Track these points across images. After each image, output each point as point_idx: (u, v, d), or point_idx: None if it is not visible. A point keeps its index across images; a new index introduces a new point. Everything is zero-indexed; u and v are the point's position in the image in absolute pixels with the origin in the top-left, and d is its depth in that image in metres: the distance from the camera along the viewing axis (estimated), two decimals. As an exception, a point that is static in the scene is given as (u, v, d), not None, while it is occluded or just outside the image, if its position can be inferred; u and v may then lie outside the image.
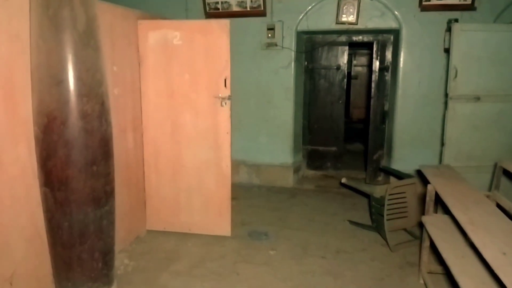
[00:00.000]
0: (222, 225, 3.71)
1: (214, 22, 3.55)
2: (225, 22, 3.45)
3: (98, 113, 2.35)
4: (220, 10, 4.96)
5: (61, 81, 2.19)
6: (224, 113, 3.56)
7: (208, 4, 4.96)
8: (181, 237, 3.69)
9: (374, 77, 5.07)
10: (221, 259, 3.33)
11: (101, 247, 2.46)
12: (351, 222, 4.09)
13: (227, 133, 3.58)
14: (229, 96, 3.53)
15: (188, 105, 3.59)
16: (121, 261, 3.20)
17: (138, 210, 3.66)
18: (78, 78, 2.23)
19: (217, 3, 4.94)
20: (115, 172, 2.58)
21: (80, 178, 2.30)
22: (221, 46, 3.48)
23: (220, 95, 3.53)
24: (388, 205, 3.52)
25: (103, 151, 2.41)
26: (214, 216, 3.71)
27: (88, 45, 2.28)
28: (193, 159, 3.66)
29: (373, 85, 5.09)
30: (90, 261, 2.42)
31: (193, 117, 3.61)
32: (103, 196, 2.43)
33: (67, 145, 2.25)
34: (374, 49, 5.06)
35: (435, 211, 3.36)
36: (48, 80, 2.20)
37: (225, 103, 3.53)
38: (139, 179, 3.63)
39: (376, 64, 5.03)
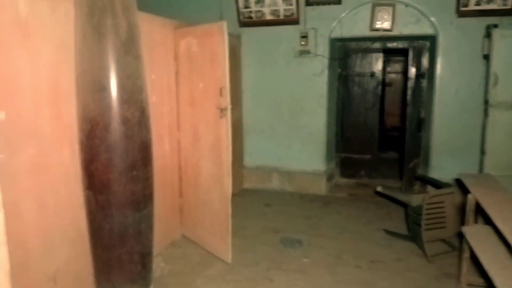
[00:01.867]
0: (223, 249, 3.37)
1: (214, 24, 3.21)
2: (222, 23, 3.09)
3: (138, 119, 2.42)
4: (254, 19, 5.02)
5: (103, 88, 2.28)
6: (223, 126, 3.18)
7: (242, 13, 5.04)
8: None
9: (410, 84, 4.98)
10: (254, 265, 3.34)
11: (140, 249, 2.52)
12: (387, 231, 4.01)
13: (226, 147, 3.17)
14: (226, 107, 3.12)
15: (202, 115, 3.44)
16: (157, 264, 3.26)
17: (174, 214, 3.73)
18: (120, 85, 2.31)
19: (251, 12, 5.01)
20: (154, 177, 2.66)
21: (120, 182, 2.38)
22: (218, 50, 3.15)
23: (220, 105, 3.18)
24: (426, 214, 3.43)
25: (142, 156, 2.48)
26: (218, 237, 3.42)
27: (130, 52, 2.37)
28: (206, 172, 3.49)
29: (409, 92, 5.00)
30: (129, 263, 2.49)
31: (205, 128, 3.43)
32: (142, 200, 2.50)
33: (109, 150, 2.34)
34: (410, 55, 4.98)
35: (475, 222, 3.25)
36: (91, 87, 2.30)
37: (224, 115, 3.15)
38: (174, 184, 3.71)
39: (412, 71, 4.94)
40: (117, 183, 2.38)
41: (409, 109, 5.02)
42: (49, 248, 2.38)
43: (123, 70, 2.34)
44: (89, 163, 2.37)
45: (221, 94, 3.15)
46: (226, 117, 3.15)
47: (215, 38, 3.19)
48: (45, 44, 2.31)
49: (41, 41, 2.28)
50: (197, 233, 3.71)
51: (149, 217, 2.57)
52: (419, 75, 5.02)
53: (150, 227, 2.58)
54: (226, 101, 3.13)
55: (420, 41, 4.97)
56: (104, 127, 2.32)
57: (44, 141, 2.34)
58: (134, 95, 2.41)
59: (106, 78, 2.30)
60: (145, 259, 2.56)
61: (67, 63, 2.40)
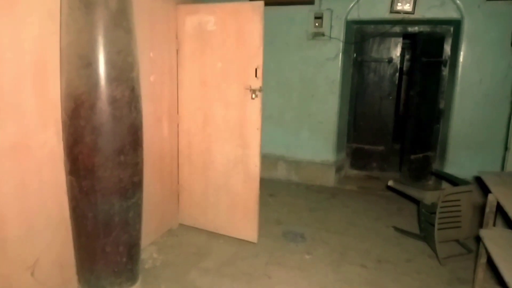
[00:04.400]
0: (247, 230, 3.39)
1: (247, 4, 3.14)
2: (259, 3, 3.03)
3: (128, 99, 2.21)
4: (266, -2, 4.73)
5: (90, 63, 2.08)
6: (255, 107, 3.19)
7: (254, -9, 4.75)
8: (213, 233, 3.54)
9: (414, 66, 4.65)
10: (252, 258, 3.15)
11: (126, 240, 2.34)
12: (396, 229, 3.77)
13: (257, 129, 3.21)
14: (260, 87, 3.14)
15: (219, 96, 3.33)
16: (150, 254, 3.10)
17: (171, 202, 3.55)
18: (108, 61, 2.10)
19: (263, -10, 4.72)
20: (148, 162, 2.47)
21: (106, 167, 2.19)
22: (253, 30, 3.08)
23: (250, 86, 3.16)
24: (440, 213, 3.18)
25: (132, 139, 2.27)
26: (240, 219, 3.41)
27: (120, 26, 2.14)
28: (222, 155, 3.40)
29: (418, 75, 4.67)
30: (114, 255, 2.31)
31: (223, 109, 3.33)
32: (130, 187, 2.30)
33: (94, 132, 2.14)
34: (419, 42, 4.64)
35: (494, 224, 2.99)
36: (77, 62, 2.09)
37: (256, 95, 3.16)
38: (173, 170, 3.52)
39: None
40: (103, 168, 2.18)
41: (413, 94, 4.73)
42: (30, 234, 2.22)
43: (112, 45, 2.12)
44: (72, 145, 2.18)
45: (256, 75, 3.12)
46: (258, 98, 3.15)
47: (248, 18, 3.09)
48: (30, 13, 2.10)
49: (25, 10, 2.07)
50: (206, 219, 3.56)
51: (138, 206, 2.38)
52: (439, 63, 4.69)
53: (138, 216, 2.39)
54: (260, 81, 3.12)
55: (444, 26, 4.64)
56: (89, 106, 2.12)
57: (26, 119, 2.15)
58: (124, 72, 2.19)
59: (93, 53, 2.09)
60: (131, 250, 2.38)
61: (55, 36, 2.19)
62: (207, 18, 3.26)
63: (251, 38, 3.11)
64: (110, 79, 2.12)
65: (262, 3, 3.02)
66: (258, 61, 3.11)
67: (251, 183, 3.32)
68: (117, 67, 2.15)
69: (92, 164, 2.16)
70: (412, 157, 4.89)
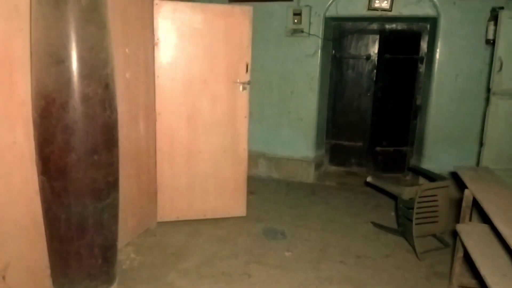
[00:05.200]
0: (237, 207, 3.82)
1: (237, 8, 3.55)
2: (248, 8, 3.50)
3: (101, 97, 2.14)
4: (245, -6, 4.69)
5: (61, 60, 2.00)
6: (243, 98, 3.63)
7: (232, -13, 4.70)
8: (192, 232, 3.50)
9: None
10: (232, 258, 3.11)
11: (102, 242, 2.28)
12: (375, 224, 3.80)
13: (245, 117, 3.68)
14: (249, 81, 3.60)
15: (206, 90, 3.54)
16: (127, 255, 3.03)
17: (149, 201, 3.48)
18: (80, 58, 2.03)
19: (242, -14, 4.67)
20: (124, 162, 2.40)
21: (79, 167, 2.12)
22: (243, 31, 3.51)
23: (239, 80, 3.57)
24: (417, 208, 3.21)
25: (106, 138, 2.21)
26: (229, 198, 3.79)
27: (92, 21, 2.07)
28: (210, 145, 3.64)
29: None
30: (89, 257, 2.24)
31: (211, 102, 3.57)
32: (105, 187, 2.24)
33: (66, 131, 2.06)
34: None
35: (470, 219, 3.04)
36: (47, 59, 2.01)
37: (245, 88, 3.60)
38: (150, 169, 3.45)
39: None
40: (76, 168, 2.11)
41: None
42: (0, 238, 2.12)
43: (83, 41, 2.05)
44: (44, 145, 2.10)
45: (246, 71, 3.57)
46: (246, 90, 3.62)
47: (237, 20, 3.49)
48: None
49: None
50: (192, 208, 3.70)
51: (113, 207, 2.31)
52: (416, 59, 4.76)
53: (113, 217, 2.33)
54: (249, 76, 3.61)
55: (420, 23, 4.69)
56: (61, 105, 2.04)
57: (-9, 119, 2.05)
58: (96, 69, 2.12)
59: (64, 50, 2.01)
60: (107, 252, 2.32)
61: (22, 32, 2.10)
62: (193, 17, 3.38)
63: (240, 38, 3.52)
64: (82, 76, 2.05)
65: (251, 8, 3.51)
66: (247, 58, 3.57)
67: (240, 166, 3.77)
68: (89, 64, 2.08)
69: (65, 164, 2.09)
70: (378, 149, 5.02)
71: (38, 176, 2.17)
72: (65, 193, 2.12)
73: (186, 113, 3.52)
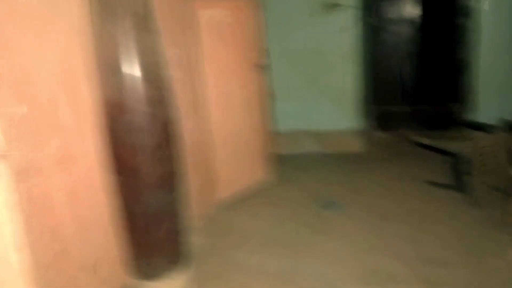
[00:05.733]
0: (263, 170, 4.28)
1: (246, 1, 3.86)
2: (258, 1, 3.94)
3: (162, 98, 2.31)
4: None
5: (123, 69, 2.16)
6: (262, 79, 4.10)
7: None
8: (252, 213, 3.65)
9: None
10: (294, 232, 3.24)
11: (176, 229, 2.47)
12: (431, 182, 3.78)
13: (261, 95, 4.13)
14: (266, 64, 4.13)
15: (236, 76, 3.85)
16: (195, 240, 3.23)
17: (208, 188, 3.67)
18: (140, 64, 2.18)
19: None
20: (183, 155, 2.56)
21: (148, 164, 2.29)
22: (252, 21, 3.90)
23: (257, 63, 3.99)
24: (475, 161, 3.18)
25: (168, 135, 2.38)
26: (257, 162, 4.21)
27: (147, 29, 2.22)
28: (243, 124, 3.98)
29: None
30: (168, 245, 2.44)
31: (241, 87, 3.91)
32: (173, 179, 2.41)
33: (135, 132, 2.24)
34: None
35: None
36: (110, 68, 2.17)
37: (261, 71, 4.04)
38: (206, 159, 3.62)
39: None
40: (145, 165, 2.29)
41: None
42: (86, 238, 2.35)
43: (141, 48, 2.19)
44: (114, 147, 2.29)
45: (262, 55, 4.03)
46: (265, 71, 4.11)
47: (246, 12, 3.82)
48: (54, 32, 2.18)
49: (49, 29, 2.15)
50: (239, 183, 4.01)
51: (181, 196, 2.49)
52: (460, 14, 4.62)
53: (183, 205, 2.51)
54: (266, 59, 4.14)
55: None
56: (127, 109, 2.21)
57: (66, 132, 2.25)
58: (155, 73, 2.28)
59: (126, 59, 2.16)
60: (181, 238, 2.51)
61: (80, 48, 2.27)
62: (220, 11, 3.61)
63: (252, 27, 3.90)
64: (143, 81, 2.20)
65: (259, 1, 3.99)
66: (263, 44, 4.05)
67: (262, 137, 4.23)
68: (148, 68, 2.23)
69: (136, 162, 2.27)
70: (425, 108, 5.02)
71: (111, 176, 2.37)
72: (139, 189, 2.31)
73: (224, 100, 3.79)
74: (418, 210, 3.37)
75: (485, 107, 4.41)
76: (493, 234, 2.84)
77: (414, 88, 5.12)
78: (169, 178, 2.39)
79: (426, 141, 3.75)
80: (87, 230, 2.35)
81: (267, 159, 4.28)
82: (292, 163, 4.85)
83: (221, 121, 3.75)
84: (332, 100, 4.96)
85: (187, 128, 3.32)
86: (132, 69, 2.17)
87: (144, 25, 2.18)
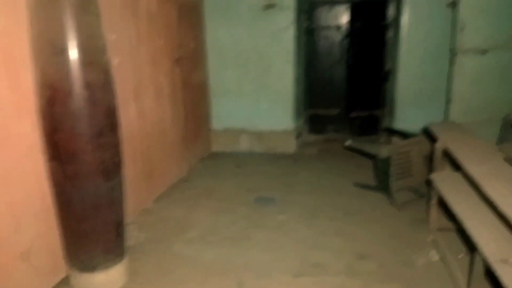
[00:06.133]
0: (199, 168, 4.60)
1: None
2: None
3: (103, 83, 2.27)
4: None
5: (63, 50, 2.10)
6: (178, 73, 4.21)
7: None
8: (189, 206, 3.70)
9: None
10: (232, 225, 3.34)
11: (114, 218, 2.44)
12: (357, 184, 4.11)
13: (181, 89, 4.26)
14: (181, 57, 4.22)
15: (161, 69, 3.89)
16: (132, 233, 3.20)
17: (144, 180, 3.64)
18: (81, 46, 2.13)
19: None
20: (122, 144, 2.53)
21: (88, 150, 2.25)
22: (173, 11, 4.01)
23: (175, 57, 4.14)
24: (394, 164, 3.52)
25: (109, 121, 2.34)
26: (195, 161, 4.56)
27: (89, 10, 2.17)
28: (174, 116, 4.10)
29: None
30: (104, 233, 2.40)
31: (165, 79, 3.98)
32: (112, 168, 2.38)
33: (73, 117, 2.18)
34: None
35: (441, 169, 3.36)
36: (49, 50, 2.10)
37: (178, 64, 4.19)
38: (143, 150, 3.59)
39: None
40: (85, 151, 2.24)
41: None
42: (19, 224, 2.25)
43: (83, 30, 2.14)
44: (52, 132, 2.21)
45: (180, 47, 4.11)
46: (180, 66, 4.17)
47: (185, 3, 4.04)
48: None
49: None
50: (171, 175, 4.08)
51: (121, 185, 2.47)
52: (385, 26, 5.03)
53: (121, 194, 2.49)
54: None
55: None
56: (66, 93, 2.15)
57: (2, 112, 2.15)
58: (96, 57, 2.24)
59: (65, 40, 2.10)
60: (119, 228, 2.48)
61: (21, 25, 2.17)
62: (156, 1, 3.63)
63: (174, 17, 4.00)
64: (84, 64, 2.16)
65: None
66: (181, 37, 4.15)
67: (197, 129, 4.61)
68: (89, 52, 2.18)
69: (74, 149, 2.22)
70: (353, 114, 5.41)
71: (48, 161, 2.29)
72: (77, 176, 2.25)
73: (154, 92, 3.76)
74: (344, 206, 3.63)
75: (405, 115, 4.86)
76: (418, 235, 3.11)
77: (344, 93, 5.47)
78: (108, 166, 2.35)
79: (353, 144, 4.05)
80: (19, 217, 2.25)
81: (202, 153, 4.39)
82: (230, 161, 4.97)
83: (154, 111, 3.75)
84: (270, 101, 5.15)
85: (126, 117, 3.28)
86: (74, 52, 2.12)
87: (85, 6, 2.14)
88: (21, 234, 2.27)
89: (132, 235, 3.18)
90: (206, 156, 5.08)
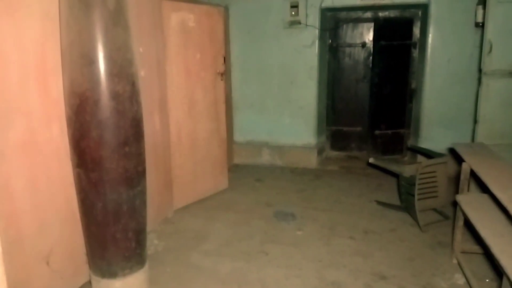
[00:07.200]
0: (223, 181, 4.44)
1: (214, 8, 4.08)
2: (221, 9, 4.14)
3: (129, 94, 2.33)
4: (242, -11, 4.88)
5: (92, 61, 2.17)
6: (221, 87, 4.20)
7: (230, -17, 4.88)
8: (208, 217, 3.71)
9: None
10: (248, 239, 3.33)
11: (134, 226, 2.47)
12: (379, 202, 4.04)
13: (223, 102, 4.27)
14: (225, 71, 4.21)
15: (200, 82, 3.95)
16: (151, 241, 3.23)
17: (166, 191, 3.68)
18: (109, 58, 2.20)
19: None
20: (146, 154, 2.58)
21: (113, 159, 2.30)
22: (219, 29, 4.08)
23: (218, 71, 4.11)
24: (419, 184, 3.44)
25: (134, 131, 2.39)
26: (218, 174, 4.35)
27: (118, 24, 2.25)
28: (204, 131, 4.09)
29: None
30: (124, 241, 2.44)
31: (203, 92, 4.01)
32: (136, 176, 2.43)
33: (100, 126, 2.24)
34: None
35: (468, 190, 3.27)
36: (80, 60, 2.18)
37: (222, 78, 4.17)
38: (166, 160, 3.64)
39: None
40: (109, 159, 2.29)
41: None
42: (42, 227, 2.32)
43: (112, 42, 2.22)
44: (79, 139, 2.28)
45: (224, 62, 4.18)
46: (223, 79, 4.20)
47: (215, 19, 4.02)
48: (29, 16, 2.17)
49: (26, 14, 2.14)
50: (196, 191, 4.09)
51: (143, 194, 2.51)
52: (410, 45, 4.98)
53: (143, 203, 2.52)
54: (224, 67, 4.23)
55: (412, 10, 4.90)
56: (94, 102, 2.22)
57: (32, 118, 2.24)
58: (124, 68, 2.30)
59: (95, 51, 2.18)
60: (139, 236, 2.51)
61: (54, 35, 2.27)
62: (188, 16, 3.71)
63: (219, 34, 4.08)
64: (112, 75, 2.22)
65: (223, 8, 4.19)
66: (223, 51, 4.17)
67: (223, 145, 4.36)
68: (117, 63, 2.25)
69: (99, 156, 2.27)
70: (377, 132, 5.29)
71: (74, 168, 2.36)
72: (101, 183, 2.30)
73: (187, 105, 3.86)
74: (364, 225, 3.56)
75: (430, 134, 4.77)
76: (440, 258, 3.03)
77: (368, 110, 5.42)
78: (132, 175, 2.40)
79: (376, 161, 3.99)
80: (44, 219, 2.32)
81: (225, 166, 4.37)
82: (250, 174, 4.98)
83: (181, 124, 3.81)
84: (292, 116, 5.15)
85: (151, 127, 3.35)
86: (103, 63, 2.19)
87: (116, 20, 2.21)
88: (45, 237, 2.34)
89: (151, 243, 3.21)
90: (228, 168, 5.10)
